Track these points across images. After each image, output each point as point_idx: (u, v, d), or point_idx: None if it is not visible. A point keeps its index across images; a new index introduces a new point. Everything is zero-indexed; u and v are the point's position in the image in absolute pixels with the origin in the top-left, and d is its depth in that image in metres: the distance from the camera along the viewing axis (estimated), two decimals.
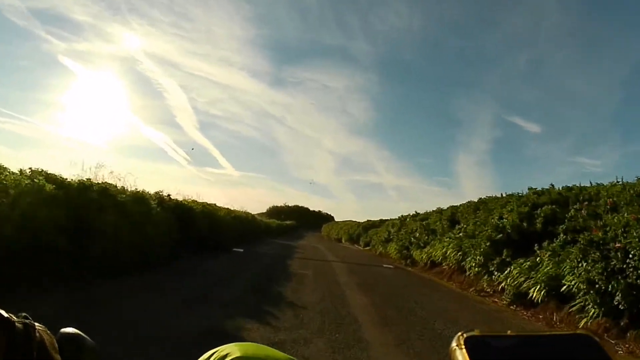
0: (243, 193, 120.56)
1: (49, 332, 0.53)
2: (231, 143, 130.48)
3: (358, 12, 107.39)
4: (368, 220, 37.65)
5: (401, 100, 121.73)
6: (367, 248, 28.86)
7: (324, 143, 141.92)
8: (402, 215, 22.48)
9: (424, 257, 14.43)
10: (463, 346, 0.56)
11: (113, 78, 79.99)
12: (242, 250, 13.54)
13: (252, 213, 29.70)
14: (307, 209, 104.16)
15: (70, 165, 8.04)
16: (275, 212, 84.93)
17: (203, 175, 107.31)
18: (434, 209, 18.95)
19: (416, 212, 21.19)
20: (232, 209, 16.89)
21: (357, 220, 47.27)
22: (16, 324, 0.47)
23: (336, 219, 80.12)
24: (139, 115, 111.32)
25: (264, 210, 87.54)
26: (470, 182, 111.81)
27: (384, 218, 34.45)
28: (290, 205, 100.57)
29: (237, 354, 0.57)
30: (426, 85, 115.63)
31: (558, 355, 0.57)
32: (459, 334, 0.59)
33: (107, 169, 8.17)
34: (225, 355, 0.57)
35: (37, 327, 0.50)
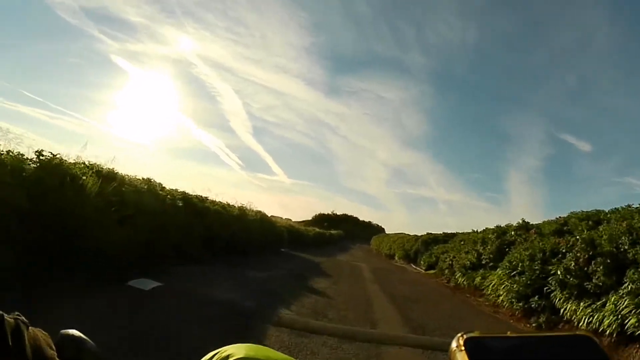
0: (294, 200, 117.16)
1: (44, 332, 0.53)
2: (284, 150, 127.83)
3: (412, 24, 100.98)
4: (428, 234, 28.77)
5: (454, 114, 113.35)
6: (432, 272, 20.20)
7: (376, 154, 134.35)
8: (497, 226, 13.59)
9: None
10: (463, 347, 0.55)
11: (166, 80, 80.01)
12: (158, 285, 5.61)
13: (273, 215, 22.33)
14: (356, 219, 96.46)
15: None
16: (322, 220, 78.79)
17: (255, 181, 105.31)
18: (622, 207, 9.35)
19: (522, 221, 12.22)
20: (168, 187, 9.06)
21: (409, 233, 39.00)
22: (6, 318, 0.47)
23: (386, 231, 72.28)
24: (191, 117, 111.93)
25: (310, 218, 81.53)
26: (520, 199, 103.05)
27: (448, 231, 25.95)
28: (338, 213, 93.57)
29: (239, 355, 0.57)
30: (479, 100, 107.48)
31: (558, 356, 0.57)
32: (459, 334, 0.58)
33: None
34: (228, 357, 0.57)
35: (30, 327, 0.50)
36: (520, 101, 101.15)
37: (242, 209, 13.04)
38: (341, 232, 62.88)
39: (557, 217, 10.91)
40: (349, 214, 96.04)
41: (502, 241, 11.98)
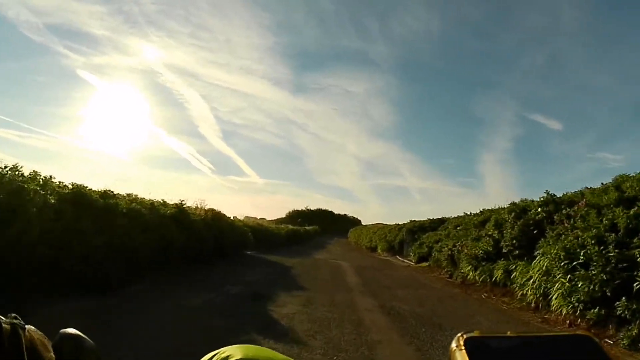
0: (268, 200, 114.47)
1: (40, 332, 0.51)
2: (255, 151, 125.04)
3: (376, 16, 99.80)
4: (412, 221, 26.39)
5: (422, 103, 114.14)
6: (425, 265, 17.62)
7: (347, 148, 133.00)
8: (512, 204, 10.85)
9: None
10: (463, 347, 0.54)
11: (133, 90, 76.39)
12: None
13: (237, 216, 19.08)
14: (331, 213, 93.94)
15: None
16: (296, 216, 75.81)
17: (228, 183, 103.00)
18: None
19: (548, 194, 9.58)
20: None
21: (388, 223, 36.95)
22: (2, 324, 0.45)
23: (363, 223, 70.23)
24: (161, 126, 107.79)
25: (284, 216, 78.47)
26: (494, 181, 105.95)
27: (433, 217, 23.87)
28: (312, 209, 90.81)
29: (239, 356, 0.56)
30: (446, 86, 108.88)
31: (558, 356, 0.55)
32: (459, 334, 0.56)
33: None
34: (227, 357, 0.56)
35: (27, 328, 0.48)
36: (489, 85, 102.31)
37: (180, 207, 9.62)
38: (316, 227, 60.02)
39: (602, 183, 8.27)
40: (324, 208, 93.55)
41: (525, 222, 9.28)
